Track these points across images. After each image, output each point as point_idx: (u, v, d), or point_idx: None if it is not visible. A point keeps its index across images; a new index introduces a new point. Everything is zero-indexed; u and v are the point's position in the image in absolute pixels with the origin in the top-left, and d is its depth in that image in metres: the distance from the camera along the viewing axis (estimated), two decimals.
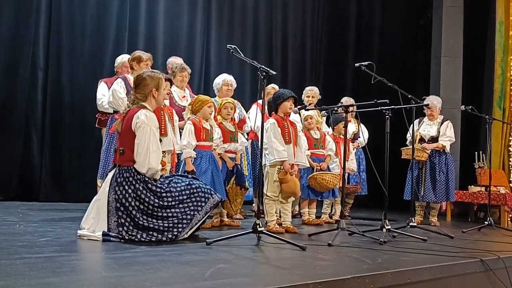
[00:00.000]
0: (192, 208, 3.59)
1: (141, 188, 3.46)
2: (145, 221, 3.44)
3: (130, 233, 3.40)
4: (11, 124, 6.27)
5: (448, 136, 6.07)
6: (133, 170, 3.48)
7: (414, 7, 9.37)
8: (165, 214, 3.51)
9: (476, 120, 7.70)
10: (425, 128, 6.19)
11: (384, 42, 9.39)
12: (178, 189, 3.58)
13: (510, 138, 7.90)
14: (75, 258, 2.71)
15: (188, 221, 3.57)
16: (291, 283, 2.27)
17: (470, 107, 5.60)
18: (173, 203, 3.54)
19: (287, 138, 4.44)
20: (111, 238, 3.37)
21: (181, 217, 3.54)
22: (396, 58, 9.24)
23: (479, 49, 8.50)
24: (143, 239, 3.41)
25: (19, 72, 6.33)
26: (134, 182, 3.45)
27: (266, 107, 4.23)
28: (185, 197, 3.58)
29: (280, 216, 4.63)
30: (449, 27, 8.00)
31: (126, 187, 3.44)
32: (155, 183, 3.52)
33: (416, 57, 9.39)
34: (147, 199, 3.46)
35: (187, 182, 3.65)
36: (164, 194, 3.52)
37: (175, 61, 5.86)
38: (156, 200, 3.49)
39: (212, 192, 3.74)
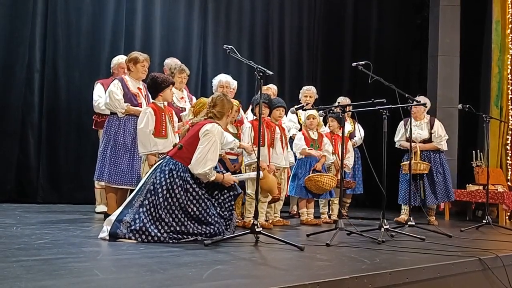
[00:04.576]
0: (203, 235, 3.63)
1: (178, 184, 3.61)
2: (163, 213, 3.55)
3: (142, 219, 3.48)
4: (8, 126, 6.24)
5: (442, 137, 6.03)
6: (180, 166, 3.66)
7: (411, 6, 9.38)
8: (182, 219, 3.60)
9: (474, 119, 7.72)
10: (413, 130, 5.97)
11: (381, 42, 9.39)
12: (206, 210, 3.66)
13: (508, 136, 7.92)
14: (72, 260, 2.70)
15: (191, 237, 3.60)
16: (289, 284, 2.26)
17: (468, 106, 5.59)
18: (194, 215, 3.63)
19: (261, 141, 4.55)
20: (117, 230, 3.45)
21: (192, 232, 3.60)
22: (393, 58, 9.25)
23: (476, 48, 8.52)
24: (149, 235, 3.45)
25: (15, 74, 6.30)
26: (175, 176, 3.62)
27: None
28: (203, 218, 3.64)
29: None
30: (446, 26, 8.02)
31: (166, 176, 3.61)
32: (193, 186, 3.66)
33: (413, 56, 9.40)
34: (178, 196, 3.60)
35: (214, 214, 3.70)
36: (194, 202, 3.65)
37: (173, 62, 5.83)
38: (185, 202, 3.61)
39: (224, 230, 3.76)
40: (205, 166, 3.64)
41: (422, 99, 5.92)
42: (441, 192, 6.00)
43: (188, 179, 3.65)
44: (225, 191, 3.87)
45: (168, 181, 3.60)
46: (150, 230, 3.47)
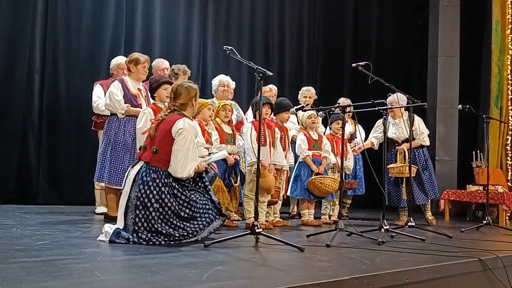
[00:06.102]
0: (201, 226, 3.62)
1: (166, 192, 3.51)
2: (159, 226, 3.47)
3: (140, 234, 3.43)
4: (8, 128, 6.24)
5: (424, 133, 5.93)
6: (162, 173, 3.54)
7: (411, 7, 9.38)
8: (178, 224, 3.54)
9: (474, 119, 7.72)
10: (394, 130, 5.90)
11: (381, 42, 9.39)
12: (197, 205, 3.63)
13: (508, 137, 7.92)
14: (72, 261, 2.70)
15: (194, 237, 3.58)
16: (289, 285, 2.26)
17: (467, 106, 5.57)
18: (188, 216, 3.59)
19: (262, 140, 4.57)
20: (116, 240, 3.40)
21: (190, 231, 3.57)
22: (393, 58, 9.25)
23: (476, 48, 8.52)
24: (151, 243, 3.42)
25: (16, 75, 6.30)
26: (160, 185, 3.51)
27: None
28: (198, 215, 3.62)
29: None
30: (446, 26, 8.02)
31: (152, 188, 3.49)
32: (181, 190, 3.58)
33: (413, 56, 9.40)
34: (169, 204, 3.51)
35: (204, 201, 3.69)
36: (185, 204, 3.58)
37: (159, 63, 5.81)
38: (177, 208, 3.53)
39: (217, 216, 3.75)
40: (188, 168, 3.55)
41: (400, 96, 5.53)
42: (429, 189, 5.91)
43: (174, 184, 3.56)
44: (203, 178, 3.79)
45: (155, 192, 3.48)
46: (151, 239, 3.44)
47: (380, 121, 5.94)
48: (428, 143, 6.02)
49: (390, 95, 5.25)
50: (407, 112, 5.68)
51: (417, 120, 5.96)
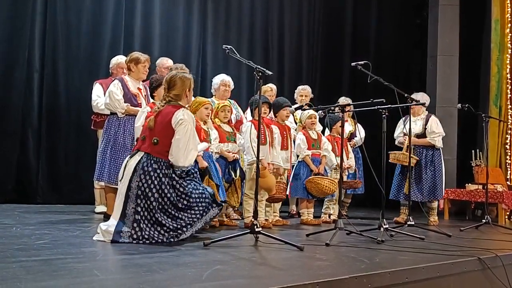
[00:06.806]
0: (198, 215, 3.65)
1: (166, 183, 3.56)
2: (159, 216, 3.52)
3: (141, 225, 3.46)
4: (7, 127, 6.23)
5: (436, 133, 5.96)
6: (163, 163, 3.59)
7: (411, 6, 9.38)
8: (176, 214, 3.59)
9: (473, 118, 7.72)
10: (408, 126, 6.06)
11: (381, 41, 9.39)
12: (194, 195, 3.66)
13: (507, 136, 7.93)
14: (72, 261, 2.70)
15: (191, 226, 3.62)
16: (288, 284, 2.27)
17: (467, 105, 5.58)
18: (185, 207, 3.62)
19: (262, 139, 4.60)
20: (120, 240, 3.41)
21: (188, 221, 3.61)
22: (393, 57, 9.24)
23: (475, 47, 8.53)
24: (151, 238, 3.46)
25: (15, 74, 6.29)
26: (161, 175, 3.56)
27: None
28: (194, 204, 3.66)
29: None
30: (445, 26, 8.02)
31: (153, 178, 3.53)
32: (179, 181, 3.63)
33: (413, 56, 9.40)
34: (168, 195, 3.56)
35: (201, 190, 3.72)
36: (183, 196, 3.63)
37: (163, 61, 5.82)
38: (176, 199, 3.59)
39: (214, 205, 3.78)
40: (190, 157, 3.60)
41: (421, 96, 5.96)
42: (428, 190, 5.90)
43: (173, 175, 3.62)
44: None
45: (156, 182, 3.53)
46: (151, 234, 3.47)
47: (401, 120, 6.08)
48: (438, 144, 5.99)
49: (414, 93, 5.57)
50: (426, 111, 6.11)
51: (432, 120, 6.04)
